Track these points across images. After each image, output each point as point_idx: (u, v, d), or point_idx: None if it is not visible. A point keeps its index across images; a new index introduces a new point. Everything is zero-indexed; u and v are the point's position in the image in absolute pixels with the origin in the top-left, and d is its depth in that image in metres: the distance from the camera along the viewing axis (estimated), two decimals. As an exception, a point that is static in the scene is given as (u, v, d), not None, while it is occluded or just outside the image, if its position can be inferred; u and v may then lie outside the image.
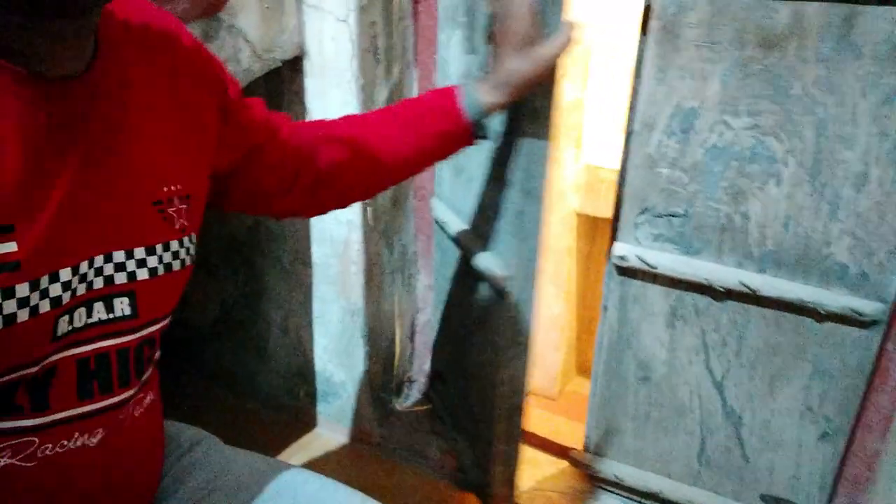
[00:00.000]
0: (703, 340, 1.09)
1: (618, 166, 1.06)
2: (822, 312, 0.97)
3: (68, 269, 0.50)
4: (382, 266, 1.35)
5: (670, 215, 1.04)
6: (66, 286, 0.49)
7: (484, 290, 1.13)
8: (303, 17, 1.13)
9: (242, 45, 1.03)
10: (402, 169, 0.82)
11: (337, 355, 1.41)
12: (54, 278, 0.49)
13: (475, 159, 1.08)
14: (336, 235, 1.29)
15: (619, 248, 1.08)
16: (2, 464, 0.50)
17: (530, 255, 0.98)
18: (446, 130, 0.79)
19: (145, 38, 0.58)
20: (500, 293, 1.04)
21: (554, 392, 2.51)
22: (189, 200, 0.60)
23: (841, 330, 0.97)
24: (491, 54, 0.82)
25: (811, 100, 0.90)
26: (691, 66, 0.95)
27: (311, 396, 1.49)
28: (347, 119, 0.81)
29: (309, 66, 1.16)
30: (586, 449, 1.29)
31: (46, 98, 0.47)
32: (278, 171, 0.74)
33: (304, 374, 1.47)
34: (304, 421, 1.51)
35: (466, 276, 1.20)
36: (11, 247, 0.45)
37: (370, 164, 0.79)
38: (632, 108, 1.01)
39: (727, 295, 1.04)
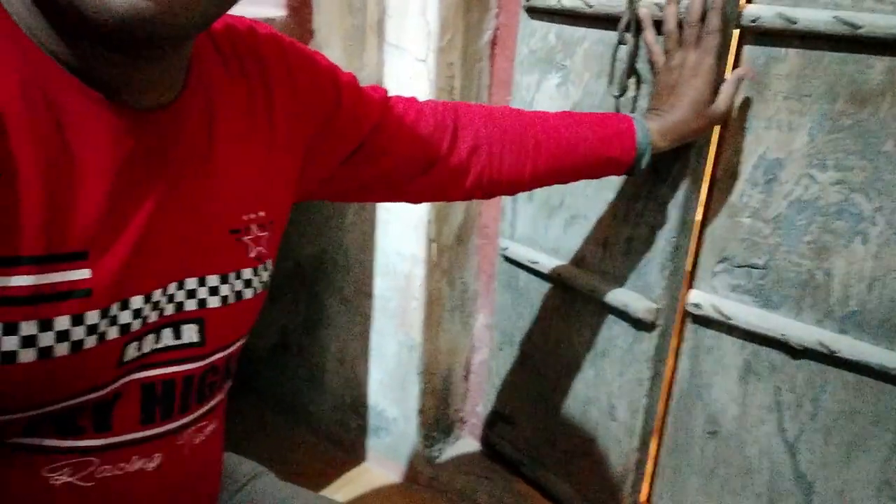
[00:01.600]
0: (776, 399, 1.05)
1: (700, 213, 1.04)
2: (908, 375, 0.92)
3: (140, 297, 0.49)
4: (443, 303, 1.35)
5: (750, 266, 1.02)
6: (137, 314, 0.49)
7: (612, 325, 1.14)
8: (383, 55, 1.16)
9: (326, 81, 1.06)
10: (550, 168, 0.82)
11: (391, 390, 1.41)
12: (125, 305, 0.49)
13: (586, 201, 1.12)
14: (399, 269, 1.29)
15: (695, 296, 1.06)
16: (61, 481, 0.50)
17: (679, 286, 1.05)
18: (612, 156, 0.83)
19: (241, 60, 0.57)
20: (645, 327, 1.07)
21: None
22: (269, 227, 0.60)
23: None
24: (657, 101, 0.88)
25: (902, 155, 0.87)
26: (778, 116, 0.94)
27: (363, 430, 1.48)
28: (511, 108, 0.82)
29: (386, 102, 1.19)
30: (648, 500, 1.25)
31: (134, 128, 0.47)
32: (405, 154, 0.73)
33: (356, 407, 1.47)
34: (354, 454, 1.51)
35: (569, 313, 1.21)
36: (85, 273, 0.45)
37: (522, 150, 0.79)
38: (717, 155, 1.00)
39: (804, 353, 1.00)
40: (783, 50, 0.91)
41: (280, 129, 0.60)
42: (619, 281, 1.11)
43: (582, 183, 1.08)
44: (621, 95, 1.00)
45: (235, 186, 0.56)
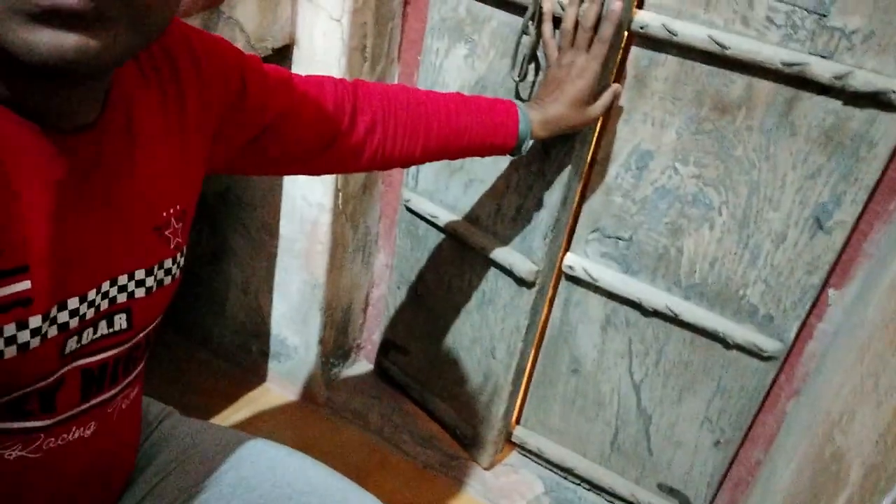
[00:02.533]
0: (629, 347, 1.24)
1: (580, 188, 1.17)
2: (730, 342, 1.13)
3: (76, 299, 0.54)
4: (346, 246, 1.42)
5: (617, 238, 1.16)
6: (75, 312, 0.54)
7: (497, 279, 1.27)
8: (297, 6, 1.16)
9: (238, 36, 1.06)
10: (440, 149, 0.89)
11: (293, 322, 1.49)
12: (63, 307, 0.53)
13: (485, 167, 1.22)
14: (305, 215, 1.35)
15: (570, 259, 1.21)
16: (14, 456, 0.57)
17: (557, 251, 1.20)
18: (496, 143, 0.92)
19: (154, 60, 0.60)
20: (526, 285, 1.21)
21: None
22: (184, 217, 0.64)
23: (744, 359, 1.13)
24: (544, 92, 0.97)
25: (749, 163, 1.02)
26: (653, 113, 1.05)
27: (264, 354, 1.57)
28: (406, 89, 0.87)
29: (298, 55, 1.20)
30: (517, 422, 1.45)
31: (64, 150, 0.50)
32: (307, 135, 0.76)
33: (258, 334, 1.55)
34: (255, 375, 1.60)
35: (462, 264, 1.33)
36: (26, 285, 0.49)
37: (414, 131, 0.85)
38: (598, 140, 1.11)
39: (654, 314, 1.18)
40: (664, 56, 1.01)
41: (191, 120, 0.63)
42: (507, 242, 1.23)
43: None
44: (521, 80, 1.08)
45: (156, 186, 0.60)
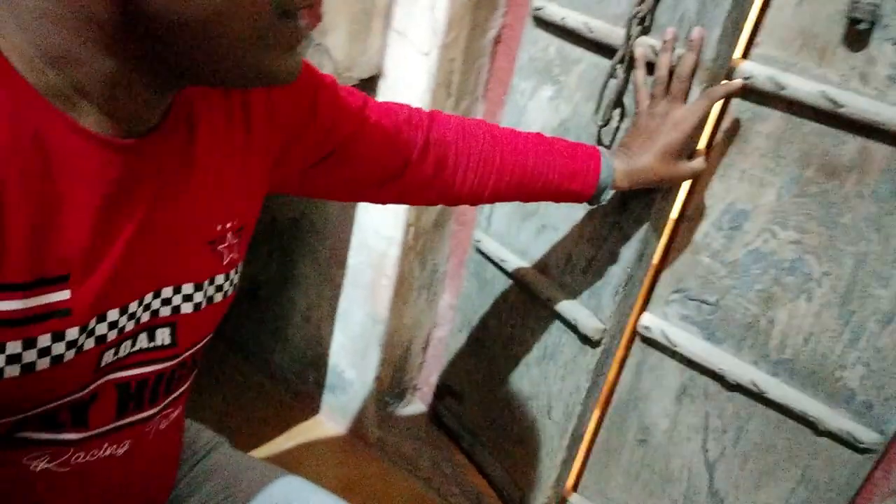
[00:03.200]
0: (705, 422, 1.13)
1: (664, 243, 1.10)
2: (821, 428, 1.01)
3: (117, 311, 0.52)
4: (412, 282, 1.39)
5: (702, 301, 1.08)
6: (114, 325, 0.52)
7: (561, 334, 1.20)
8: (387, 39, 1.16)
9: (326, 63, 1.06)
10: (512, 190, 0.86)
11: (352, 355, 1.47)
12: (102, 319, 0.51)
13: (559, 214, 1.17)
14: (375, 247, 1.33)
15: (647, 319, 1.13)
16: (40, 468, 0.54)
17: (628, 312, 1.11)
18: (573, 189, 0.87)
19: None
20: (590, 343, 1.13)
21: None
22: (241, 232, 0.62)
23: (836, 448, 1.01)
24: (631, 140, 0.91)
25: (857, 233, 0.93)
26: (752, 171, 0.98)
27: (320, 385, 1.55)
28: (484, 124, 0.84)
29: (384, 87, 1.19)
30: (574, 488, 1.35)
31: (118, 158, 0.48)
32: (375, 162, 0.75)
33: (316, 364, 1.53)
34: (309, 405, 1.58)
35: (525, 313, 1.27)
36: (64, 295, 0.47)
37: (487, 169, 0.82)
38: (689, 194, 1.05)
39: (736, 387, 1.08)
40: (768, 110, 0.94)
41: (256, 136, 0.62)
42: (575, 295, 1.16)
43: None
44: (605, 125, 1.03)
45: (212, 200, 0.58)
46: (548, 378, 1.25)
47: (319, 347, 1.51)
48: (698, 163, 0.94)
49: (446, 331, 1.51)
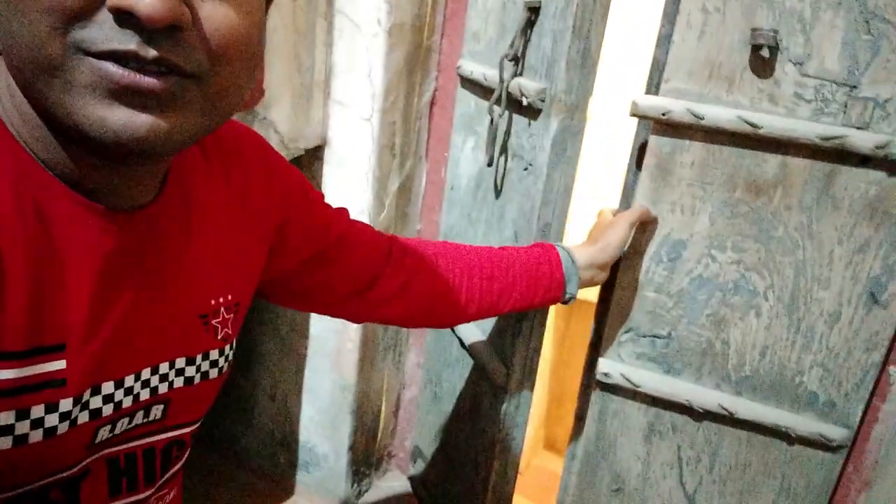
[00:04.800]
0: (677, 455, 1.12)
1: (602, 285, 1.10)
2: (793, 435, 1.02)
3: (111, 384, 0.51)
4: (377, 344, 1.38)
5: (654, 336, 1.08)
6: (109, 399, 0.51)
7: (480, 380, 1.17)
8: (328, 110, 1.19)
9: (272, 136, 1.09)
10: (482, 313, 0.89)
11: (322, 427, 1.43)
12: (96, 391, 0.50)
13: None
14: (335, 313, 1.32)
15: (604, 365, 1.11)
16: None
17: (531, 356, 1.08)
18: (544, 300, 0.91)
19: (224, 157, 0.60)
20: (497, 390, 1.10)
21: (521, 466, 2.50)
22: (235, 309, 0.62)
23: (808, 451, 1.02)
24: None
25: (793, 243, 0.97)
26: (682, 201, 1.01)
27: (292, 465, 1.50)
28: (448, 250, 0.86)
29: (330, 154, 1.22)
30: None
31: (116, 229, 0.49)
32: (351, 272, 0.76)
33: (286, 443, 1.49)
34: (282, 488, 1.52)
35: (462, 362, 1.24)
36: (60, 364, 0.46)
37: (447, 302, 0.84)
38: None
39: (704, 415, 1.07)
40: (687, 141, 0.97)
41: (253, 218, 0.62)
42: (491, 339, 1.17)
43: (481, 241, 1.17)
44: (490, 164, 1.07)
45: (208, 273, 0.58)
46: (476, 431, 1.22)
47: (288, 425, 1.47)
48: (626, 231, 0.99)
49: (415, 391, 1.50)
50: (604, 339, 1.10)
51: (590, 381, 1.14)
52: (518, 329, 1.09)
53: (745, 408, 1.04)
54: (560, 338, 2.57)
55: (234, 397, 1.53)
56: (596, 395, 1.14)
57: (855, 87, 0.87)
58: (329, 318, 1.31)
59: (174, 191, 0.54)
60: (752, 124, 0.93)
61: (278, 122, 1.09)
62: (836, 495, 1.04)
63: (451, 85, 1.25)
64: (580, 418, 1.17)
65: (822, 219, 0.94)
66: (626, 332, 1.09)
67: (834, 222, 0.94)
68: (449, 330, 1.29)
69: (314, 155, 1.22)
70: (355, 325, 1.31)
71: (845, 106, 0.88)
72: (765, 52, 0.89)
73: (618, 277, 1.06)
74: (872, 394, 0.99)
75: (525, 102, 1.00)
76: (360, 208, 1.24)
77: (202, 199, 0.57)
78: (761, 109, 0.93)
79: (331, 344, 1.35)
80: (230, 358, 0.63)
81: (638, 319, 1.08)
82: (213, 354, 0.60)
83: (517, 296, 0.88)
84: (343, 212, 0.77)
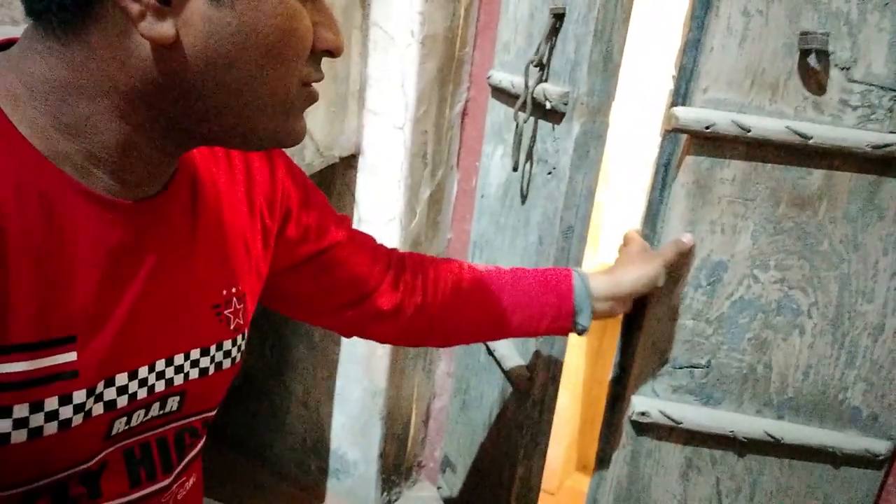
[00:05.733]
0: (716, 489, 1.05)
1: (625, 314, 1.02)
2: (839, 455, 0.97)
3: (125, 375, 0.51)
4: (407, 350, 1.36)
5: (691, 367, 1.01)
6: (123, 390, 0.51)
7: (506, 386, 1.14)
8: (363, 119, 1.18)
9: (308, 143, 1.08)
10: (480, 337, 0.86)
11: (353, 434, 1.41)
12: (110, 383, 0.50)
13: (502, 259, 1.14)
14: (367, 321, 1.30)
15: (639, 404, 1.01)
16: None
17: (558, 357, 1.03)
18: (550, 329, 0.84)
19: (228, 150, 0.60)
20: (522, 395, 1.06)
21: (553, 486, 2.43)
22: (244, 299, 0.61)
23: (853, 469, 0.97)
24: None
25: (837, 256, 0.91)
26: (722, 220, 0.94)
27: (323, 472, 1.48)
28: (452, 270, 0.81)
29: (363, 162, 1.21)
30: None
31: (123, 219, 0.48)
32: (347, 282, 0.74)
33: (317, 450, 1.47)
34: (313, 495, 1.50)
35: (489, 369, 1.21)
36: (71, 356, 0.46)
37: (457, 323, 0.81)
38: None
39: (745, 443, 1.00)
40: (727, 155, 0.90)
41: (258, 206, 0.62)
42: (516, 344, 1.13)
43: (508, 247, 1.14)
44: (515, 169, 1.04)
45: (217, 263, 0.58)
46: (501, 438, 1.18)
47: (319, 431, 1.46)
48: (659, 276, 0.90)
49: (445, 400, 1.47)
50: (634, 374, 1.02)
51: (614, 421, 1.06)
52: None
53: (791, 431, 0.98)
54: (593, 355, 2.48)
55: (268, 404, 1.53)
56: (627, 436, 1.05)
57: (901, 91, 0.81)
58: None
59: (183, 179, 0.54)
60: (801, 135, 0.86)
61: (314, 130, 1.08)
62: None
63: (483, 96, 1.23)
64: (603, 461, 1.09)
65: (868, 230, 0.89)
66: (662, 364, 1.01)
67: (879, 232, 0.89)
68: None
69: (348, 163, 1.20)
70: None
71: (891, 111, 0.83)
72: (813, 58, 0.84)
73: (650, 308, 0.99)
74: None
75: (549, 106, 0.98)
76: (392, 216, 1.22)
77: (208, 191, 0.57)
78: (806, 118, 0.87)
79: (362, 350, 1.33)
80: (242, 349, 0.62)
81: (675, 350, 1.00)
82: (227, 345, 0.59)
83: (517, 323, 0.82)
84: (345, 219, 0.75)
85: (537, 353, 1.07)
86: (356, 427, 1.40)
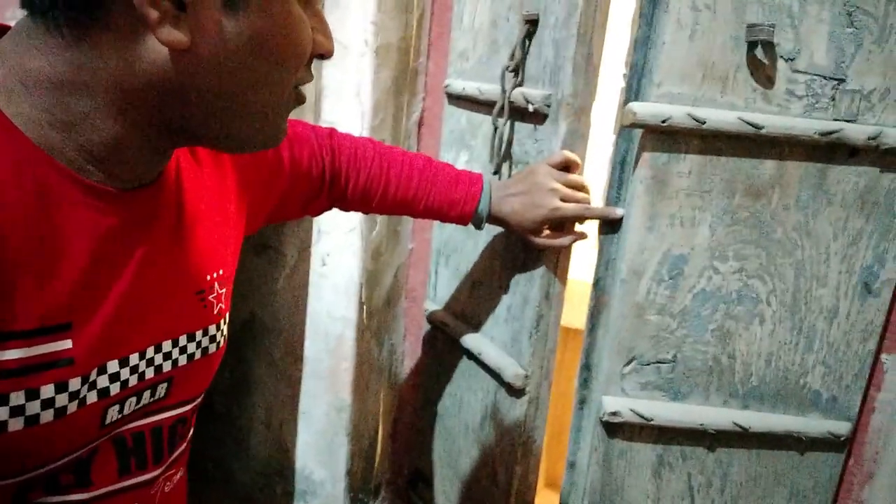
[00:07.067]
0: (688, 484, 1.03)
1: (589, 313, 1.02)
2: (804, 439, 0.97)
3: (116, 362, 0.51)
4: (372, 364, 1.31)
5: (658, 362, 0.99)
6: (115, 377, 0.51)
7: (494, 388, 1.11)
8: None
9: (259, 154, 1.03)
10: (397, 208, 0.91)
11: (319, 452, 1.34)
12: (103, 370, 0.50)
13: (480, 265, 1.12)
14: (330, 331, 1.25)
15: (610, 404, 0.99)
16: None
17: (548, 356, 1.02)
18: (451, 215, 0.92)
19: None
20: (516, 392, 1.04)
21: None
22: (226, 282, 0.62)
23: (816, 453, 0.98)
24: (513, 183, 0.93)
25: (791, 243, 0.92)
26: (681, 213, 0.93)
27: (289, 494, 1.40)
28: (376, 149, 0.88)
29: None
30: None
31: (116, 207, 0.49)
32: (307, 192, 0.81)
33: (282, 472, 1.40)
34: (278, 519, 1.42)
35: (471, 374, 1.18)
36: (67, 344, 0.46)
37: (374, 187, 0.87)
38: (608, 256, 0.98)
39: (713, 435, 0.99)
40: (682, 149, 0.90)
41: (230, 183, 0.63)
42: (502, 345, 1.10)
43: (482, 250, 1.12)
44: (495, 172, 1.03)
45: (200, 250, 0.58)
46: (490, 441, 1.15)
47: (284, 452, 1.39)
48: (562, 240, 0.95)
49: (411, 413, 1.42)
50: (602, 375, 1.00)
51: (583, 425, 1.04)
52: (535, 328, 1.03)
53: (757, 420, 0.97)
54: (557, 368, 2.44)
55: (229, 427, 1.44)
56: (598, 439, 1.02)
57: (842, 80, 0.84)
58: (323, 339, 1.25)
59: (168, 174, 0.55)
60: (753, 125, 0.87)
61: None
62: (839, 491, 1.00)
63: (438, 106, 1.22)
64: (574, 466, 1.07)
65: (818, 215, 0.90)
66: (629, 362, 0.99)
67: (829, 218, 0.90)
68: (451, 345, 1.23)
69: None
70: (350, 344, 1.24)
71: (833, 99, 0.85)
72: (759, 50, 0.85)
73: (614, 306, 0.97)
74: (868, 384, 0.95)
75: (531, 109, 0.97)
76: (352, 226, 1.19)
77: (187, 174, 0.58)
78: (756, 109, 0.88)
79: (325, 365, 1.28)
80: (225, 333, 0.63)
81: (641, 347, 0.98)
82: (212, 329, 0.60)
83: (425, 206, 0.90)
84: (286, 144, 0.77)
85: (531, 353, 1.04)
86: (322, 445, 1.33)
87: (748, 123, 0.87)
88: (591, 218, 0.95)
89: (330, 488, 1.35)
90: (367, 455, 1.38)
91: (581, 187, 0.95)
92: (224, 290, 0.62)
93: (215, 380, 1.42)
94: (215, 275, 0.60)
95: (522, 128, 1.03)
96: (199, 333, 0.58)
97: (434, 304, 1.26)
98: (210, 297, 0.59)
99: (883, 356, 0.96)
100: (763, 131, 0.87)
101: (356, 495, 1.37)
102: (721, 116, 0.88)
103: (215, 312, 0.60)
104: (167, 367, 0.56)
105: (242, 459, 1.44)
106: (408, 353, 1.39)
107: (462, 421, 1.22)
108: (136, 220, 0.51)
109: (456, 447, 1.25)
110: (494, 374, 1.10)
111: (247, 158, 0.65)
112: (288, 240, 1.27)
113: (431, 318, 1.25)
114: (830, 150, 0.87)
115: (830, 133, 0.84)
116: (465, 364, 1.20)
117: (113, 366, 0.50)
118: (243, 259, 1.30)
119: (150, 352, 0.54)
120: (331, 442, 1.32)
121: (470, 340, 1.15)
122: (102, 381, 0.50)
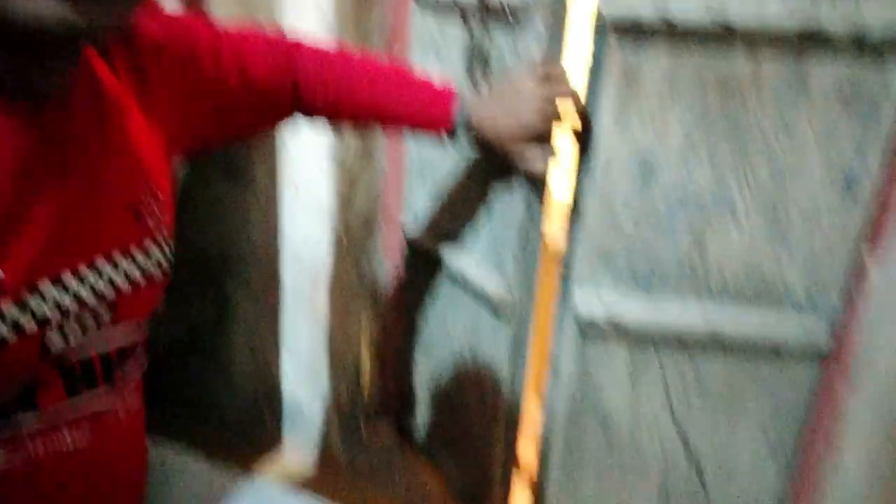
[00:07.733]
0: (664, 385, 1.03)
1: (566, 221, 0.99)
2: (781, 342, 0.96)
3: (49, 285, 0.49)
4: (351, 288, 1.30)
5: (631, 265, 0.99)
6: (52, 301, 0.49)
7: (478, 308, 1.10)
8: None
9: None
10: (370, 120, 0.85)
11: (304, 377, 1.35)
12: (35, 293, 0.48)
13: (467, 187, 1.08)
14: (307, 255, 1.24)
15: (586, 308, 0.98)
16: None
17: (531, 275, 1.00)
18: (426, 129, 0.84)
19: (133, 46, 0.58)
20: (500, 308, 1.03)
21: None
22: (159, 200, 0.59)
23: (795, 358, 0.98)
24: (492, 95, 0.86)
25: (766, 139, 0.90)
26: (653, 113, 0.91)
27: (277, 419, 1.42)
28: (346, 59, 0.83)
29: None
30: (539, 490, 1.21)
31: (30, 124, 0.47)
32: (271, 108, 0.77)
33: (269, 398, 1.40)
34: (270, 445, 1.44)
35: (457, 303, 1.16)
36: None
37: (343, 99, 0.82)
38: (587, 155, 0.95)
39: (689, 336, 0.99)
40: (653, 45, 0.87)
41: (155, 98, 0.60)
42: (486, 267, 1.08)
43: (462, 168, 1.09)
44: (471, 80, 0.99)
45: (128, 164, 0.56)
46: (477, 362, 1.15)
47: (270, 378, 1.39)
48: (546, 152, 0.87)
49: (396, 337, 1.41)
50: (577, 278, 1.00)
51: (563, 330, 1.04)
52: (518, 247, 1.01)
53: (733, 322, 0.97)
54: (543, 287, 2.47)
55: (214, 358, 1.44)
56: (574, 342, 1.02)
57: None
58: (300, 264, 1.23)
59: (84, 85, 0.52)
60: (723, 17, 0.84)
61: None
62: (823, 400, 0.98)
63: (407, 11, 1.15)
64: (556, 368, 1.07)
65: (796, 108, 0.87)
66: (605, 266, 0.99)
67: (807, 110, 0.87)
68: (432, 267, 1.21)
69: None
70: (327, 266, 1.22)
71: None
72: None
73: (587, 210, 0.96)
74: (850, 283, 0.93)
75: (508, 6, 0.92)
76: (323, 149, 1.15)
77: (110, 92, 0.55)
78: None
79: (305, 290, 1.27)
80: (170, 258, 0.60)
81: (615, 250, 0.97)
82: (152, 249, 0.57)
83: (401, 117, 0.84)
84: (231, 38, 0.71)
85: (515, 272, 1.03)
86: (307, 367, 1.34)
87: (717, 13, 0.83)
88: (575, 125, 0.90)
89: (317, 409, 1.36)
90: (352, 377, 1.38)
91: (566, 92, 0.86)
92: (158, 205, 0.58)
93: (198, 312, 1.41)
94: (149, 190, 0.57)
95: (499, 33, 0.98)
96: (136, 252, 0.56)
97: (413, 225, 1.24)
98: (143, 211, 0.57)
99: (867, 259, 0.91)
100: (732, 22, 0.83)
101: (343, 419, 1.38)
102: (688, 6, 0.84)
103: (151, 227, 0.58)
104: (108, 291, 0.53)
105: (229, 389, 1.45)
106: (389, 276, 1.38)
107: (447, 343, 1.22)
108: (52, 135, 0.49)
109: (442, 369, 1.25)
110: (478, 296, 1.09)
111: (173, 72, 0.62)
112: (258, 167, 1.23)
113: (410, 240, 1.23)
114: (808, 40, 0.83)
115: (808, 19, 0.81)
116: (447, 287, 1.19)
117: (48, 289, 0.49)
118: (214, 189, 1.28)
119: (84, 272, 0.52)
120: (315, 364, 1.32)
121: (452, 262, 1.14)
122: (39, 307, 0.48)
